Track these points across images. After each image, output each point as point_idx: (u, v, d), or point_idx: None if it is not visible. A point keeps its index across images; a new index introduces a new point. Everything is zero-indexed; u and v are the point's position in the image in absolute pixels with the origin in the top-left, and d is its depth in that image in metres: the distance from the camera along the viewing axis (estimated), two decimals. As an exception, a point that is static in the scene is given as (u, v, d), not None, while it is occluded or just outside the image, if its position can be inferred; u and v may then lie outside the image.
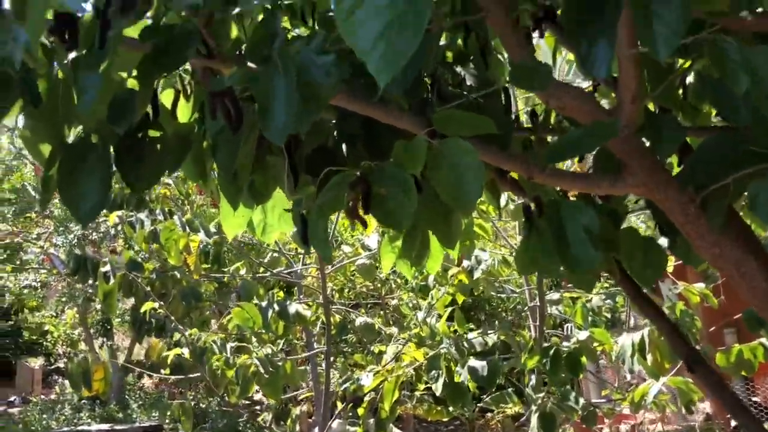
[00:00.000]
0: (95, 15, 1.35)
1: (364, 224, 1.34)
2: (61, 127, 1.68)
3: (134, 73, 1.75)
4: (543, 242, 1.52)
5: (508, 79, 1.57)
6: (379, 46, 0.73)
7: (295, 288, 6.19)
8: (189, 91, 1.81)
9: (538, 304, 4.39)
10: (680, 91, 2.02)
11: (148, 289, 4.03)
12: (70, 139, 1.70)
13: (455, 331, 4.02)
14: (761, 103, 1.28)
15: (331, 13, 2.78)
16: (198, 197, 6.75)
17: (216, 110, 1.32)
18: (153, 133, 1.71)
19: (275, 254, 4.98)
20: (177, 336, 4.19)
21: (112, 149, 1.62)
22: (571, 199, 1.79)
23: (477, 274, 3.78)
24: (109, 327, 10.27)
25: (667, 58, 1.14)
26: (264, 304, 3.60)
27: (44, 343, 12.38)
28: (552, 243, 1.47)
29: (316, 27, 2.54)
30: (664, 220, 1.69)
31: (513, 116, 1.97)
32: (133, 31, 1.46)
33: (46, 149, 1.70)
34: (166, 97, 1.87)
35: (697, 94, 1.85)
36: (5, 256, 9.41)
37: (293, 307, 3.88)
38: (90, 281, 4.01)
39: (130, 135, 1.64)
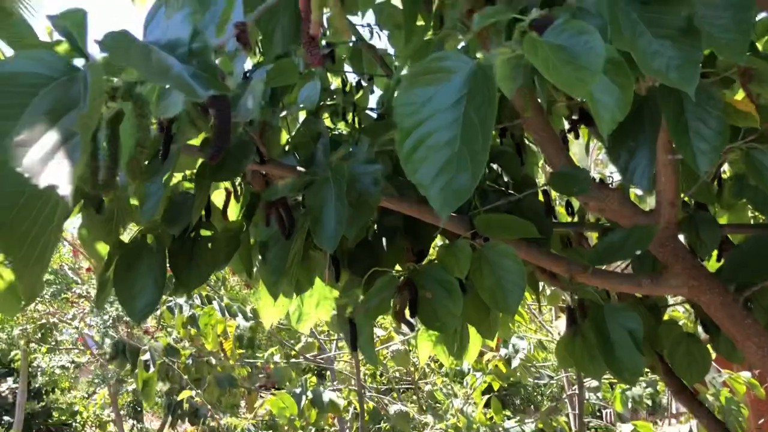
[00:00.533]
0: (159, 128, 1.45)
1: (412, 328, 1.37)
2: (117, 228, 1.77)
3: (187, 173, 1.86)
4: (587, 346, 1.54)
5: (546, 180, 1.62)
6: (438, 183, 0.79)
7: (328, 372, 6.16)
8: (239, 192, 1.90)
9: (577, 391, 4.30)
10: (715, 184, 2.06)
11: (185, 376, 4.06)
12: (125, 237, 1.79)
13: (491, 418, 3.95)
14: (799, 208, 1.31)
15: (369, 111, 2.92)
16: (232, 279, 6.83)
17: (270, 218, 1.39)
18: (204, 233, 1.78)
19: (309, 339, 4.99)
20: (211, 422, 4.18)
21: (166, 249, 1.70)
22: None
23: (515, 363, 3.74)
24: (139, 409, 10.21)
25: (706, 170, 1.19)
26: (298, 391, 3.60)
27: (74, 424, 12.32)
28: (597, 347, 1.48)
29: (356, 125, 2.66)
30: (707, 318, 1.69)
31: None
32: (194, 140, 1.55)
33: (102, 248, 1.79)
34: (216, 197, 1.96)
35: (733, 192, 1.89)
36: (40, 336, 9.51)
37: (326, 395, 3.86)
38: (127, 366, 4.06)
39: (183, 235, 1.72)
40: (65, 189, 0.49)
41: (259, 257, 2.04)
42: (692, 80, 0.95)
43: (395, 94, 0.81)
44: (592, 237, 2.27)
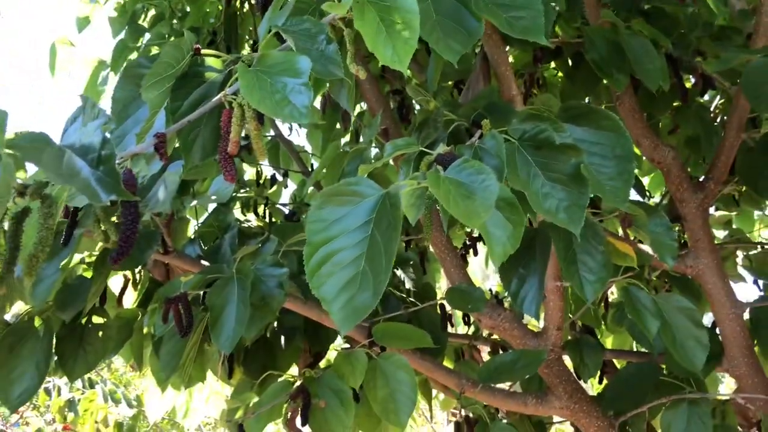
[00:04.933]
0: (65, 212, 1.42)
1: (301, 436, 1.36)
2: (2, 307, 1.68)
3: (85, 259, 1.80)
4: (472, 462, 1.56)
5: (444, 295, 1.69)
6: (341, 299, 0.82)
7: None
8: (138, 279, 1.86)
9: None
10: (602, 308, 2.19)
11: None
12: (8, 317, 1.70)
13: None
14: (669, 344, 1.42)
15: (279, 205, 2.94)
16: (117, 360, 6.48)
17: (168, 314, 1.37)
18: (96, 320, 1.72)
19: (195, 432, 4.75)
20: None
21: (53, 334, 1.62)
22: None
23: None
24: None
25: (592, 299, 1.28)
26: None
27: None
28: (481, 464, 1.51)
29: (268, 220, 2.67)
30: (588, 440, 1.76)
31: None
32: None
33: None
34: (112, 281, 1.91)
35: (615, 319, 2.01)
36: None
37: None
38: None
39: (74, 320, 1.66)
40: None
41: (150, 347, 1.98)
42: (578, 221, 1.05)
43: (309, 211, 0.85)
44: (484, 349, 2.34)
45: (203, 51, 0.87)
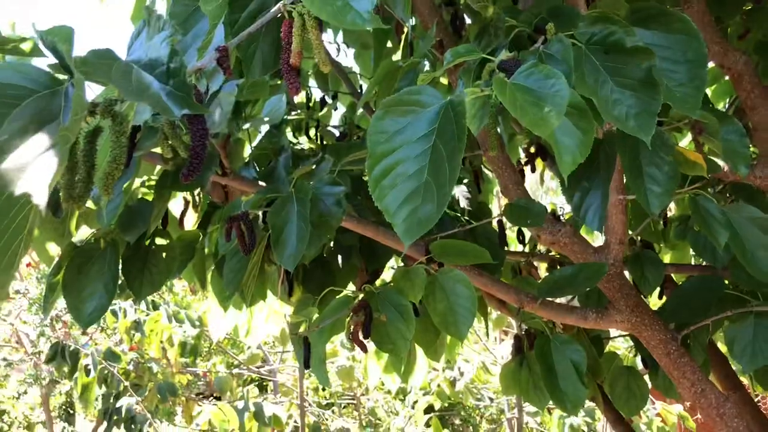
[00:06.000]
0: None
1: (364, 349, 1.39)
2: (70, 230, 1.74)
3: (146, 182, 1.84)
4: (532, 375, 1.58)
5: (501, 211, 1.67)
6: (403, 212, 0.81)
7: (269, 384, 6.09)
8: (197, 202, 1.89)
9: (516, 415, 4.37)
10: (661, 224, 2.14)
11: (126, 382, 3.96)
12: (76, 239, 1.76)
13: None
14: (739, 254, 1.38)
15: (330, 127, 2.93)
16: (178, 284, 6.71)
17: (231, 232, 1.39)
18: (159, 241, 1.77)
19: (254, 350, 4.94)
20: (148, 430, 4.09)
21: (119, 255, 1.67)
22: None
23: (459, 386, 3.78)
24: (72, 412, 9.89)
25: (658, 212, 1.25)
26: (241, 405, 3.56)
27: (0, 424, 11.83)
28: (541, 377, 1.52)
29: (319, 141, 2.67)
30: (647, 354, 1.75)
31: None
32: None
33: (51, 249, 1.75)
34: (173, 205, 1.95)
35: (677, 234, 1.97)
36: (-29, 330, 9.15)
37: (269, 409, 3.82)
38: (65, 368, 3.94)
39: (137, 242, 1.70)
40: (40, 198, 0.49)
41: (212, 268, 2.03)
42: (649, 129, 1.00)
43: (371, 122, 0.83)
44: (541, 266, 2.33)
45: (258, -42, 0.84)
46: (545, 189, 4.95)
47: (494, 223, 1.95)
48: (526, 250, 2.35)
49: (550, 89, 0.86)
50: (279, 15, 0.80)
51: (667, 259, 2.48)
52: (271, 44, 0.84)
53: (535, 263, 2.17)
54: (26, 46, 1.78)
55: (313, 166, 1.75)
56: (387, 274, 2.37)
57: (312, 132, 2.73)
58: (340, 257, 2.12)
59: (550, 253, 2.10)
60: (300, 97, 2.99)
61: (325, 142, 2.69)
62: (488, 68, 1.00)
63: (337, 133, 2.74)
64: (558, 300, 1.71)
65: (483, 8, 1.23)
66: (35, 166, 0.49)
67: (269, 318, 2.97)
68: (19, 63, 0.56)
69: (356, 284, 2.11)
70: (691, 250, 2.34)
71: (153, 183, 1.74)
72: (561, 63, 1.01)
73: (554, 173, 2.29)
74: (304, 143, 2.76)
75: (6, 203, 0.61)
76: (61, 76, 0.59)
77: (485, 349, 4.86)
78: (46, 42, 0.54)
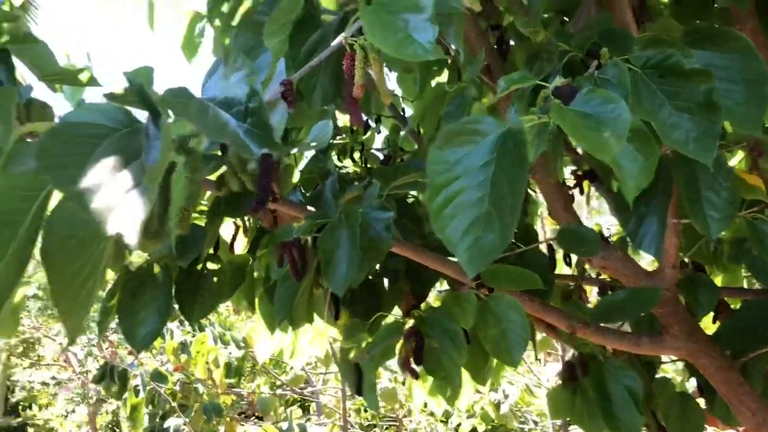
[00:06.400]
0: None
1: (416, 376, 1.38)
2: (124, 254, 1.78)
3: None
4: (586, 402, 1.55)
5: (551, 235, 1.65)
6: (465, 242, 0.81)
7: (312, 405, 6.10)
8: (247, 227, 1.91)
9: (562, 440, 4.28)
10: (713, 247, 2.09)
11: (173, 403, 4.02)
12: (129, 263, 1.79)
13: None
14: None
15: (375, 151, 2.94)
16: (222, 305, 6.79)
17: (282, 258, 1.40)
18: (211, 265, 1.79)
19: (297, 371, 4.96)
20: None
21: (172, 279, 1.70)
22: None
23: (504, 409, 3.73)
24: (118, 430, 10.03)
25: (716, 237, 1.22)
26: (284, 427, 3.56)
27: (48, 442, 12.06)
28: (596, 403, 1.49)
29: (364, 165, 2.68)
30: (704, 380, 1.71)
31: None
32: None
33: (106, 273, 1.79)
34: (223, 229, 1.98)
35: (730, 256, 1.92)
36: (21, 350, 9.38)
37: (312, 430, 3.82)
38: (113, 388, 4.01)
39: (190, 266, 1.73)
40: (132, 238, 0.50)
41: (261, 291, 2.05)
42: (710, 153, 0.99)
43: (429, 152, 0.84)
44: (591, 290, 2.29)
45: (317, -8, 0.86)
46: (588, 209, 4.89)
47: (542, 246, 1.93)
48: (574, 272, 2.32)
49: (610, 114, 0.85)
50: (338, 47, 0.82)
51: (718, 282, 2.42)
52: (330, 76, 0.86)
53: (585, 287, 2.14)
54: (83, 77, 1.84)
55: (361, 191, 1.76)
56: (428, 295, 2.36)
57: (356, 155, 2.75)
58: (386, 280, 2.12)
59: (600, 277, 2.06)
60: (344, 121, 3.03)
61: (369, 165, 2.71)
62: (543, 94, 1.00)
63: (381, 156, 2.75)
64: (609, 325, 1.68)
65: (533, 33, 1.23)
66: (124, 206, 0.50)
67: (314, 340, 2.98)
68: (97, 103, 0.58)
69: (402, 307, 2.10)
70: (743, 273, 2.28)
71: (205, 209, 1.77)
72: (617, 87, 1.00)
73: (603, 195, 2.26)
74: (348, 166, 2.78)
75: (80, 243, 0.63)
76: (138, 114, 0.61)
77: (529, 371, 4.79)
78: (132, 83, 0.56)
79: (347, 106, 0.78)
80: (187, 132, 0.64)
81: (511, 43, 2.16)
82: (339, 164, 2.73)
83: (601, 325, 1.59)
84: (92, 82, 1.75)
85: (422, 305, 2.10)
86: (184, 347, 4.10)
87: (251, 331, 3.22)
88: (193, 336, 4.17)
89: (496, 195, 0.83)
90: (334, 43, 0.80)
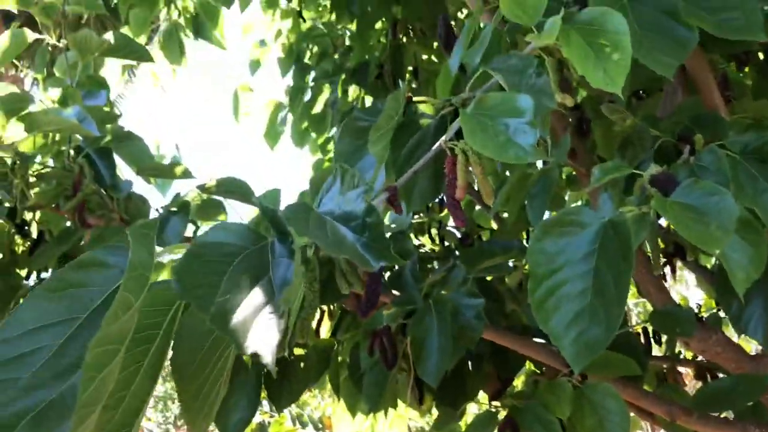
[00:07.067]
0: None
1: (512, 469, 1.34)
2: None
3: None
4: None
5: (647, 317, 1.60)
6: (570, 335, 0.80)
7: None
8: (332, 310, 1.94)
9: None
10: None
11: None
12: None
13: None
14: None
15: (451, 227, 2.96)
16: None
17: (373, 347, 1.41)
18: (297, 351, 1.81)
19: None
20: None
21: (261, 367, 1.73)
22: None
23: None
24: None
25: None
26: None
27: None
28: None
29: (441, 243, 2.69)
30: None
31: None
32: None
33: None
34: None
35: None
36: None
37: None
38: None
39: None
40: (268, 358, 0.52)
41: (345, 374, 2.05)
42: (817, 236, 0.95)
43: (530, 243, 0.84)
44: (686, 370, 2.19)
45: (414, 98, 0.89)
46: (671, 283, 4.71)
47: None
48: (661, 352, 2.23)
49: (715, 206, 0.84)
50: (438, 150, 0.84)
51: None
52: (428, 177, 0.89)
53: (680, 369, 2.05)
54: (178, 170, 1.92)
55: (444, 274, 1.77)
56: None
57: (434, 232, 2.76)
58: (470, 363, 2.09)
59: (696, 359, 1.97)
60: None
61: (447, 243, 2.72)
62: (639, 183, 1.00)
63: (457, 233, 2.76)
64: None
65: (621, 119, 1.24)
66: (259, 326, 0.52)
67: (393, 423, 2.94)
68: (227, 223, 0.61)
69: (488, 392, 2.06)
70: None
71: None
72: (716, 174, 0.99)
73: (691, 270, 2.19)
74: (425, 244, 2.79)
75: (208, 353, 0.66)
76: (264, 231, 0.64)
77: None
78: (263, 206, 0.60)
79: (450, 208, 0.79)
80: (304, 242, 0.66)
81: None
82: (417, 243, 2.74)
83: (706, 414, 1.51)
84: (186, 174, 1.84)
85: (507, 389, 2.05)
86: (262, 428, 4.09)
87: (332, 414, 3.20)
88: (272, 417, 4.17)
89: (599, 286, 0.82)
90: (435, 147, 0.83)
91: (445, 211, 2.96)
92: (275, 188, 0.59)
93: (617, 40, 0.87)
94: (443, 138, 0.82)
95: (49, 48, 2.01)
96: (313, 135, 2.80)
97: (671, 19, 0.98)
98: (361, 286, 0.76)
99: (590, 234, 0.86)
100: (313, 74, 2.90)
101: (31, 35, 1.86)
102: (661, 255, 2.06)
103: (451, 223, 2.99)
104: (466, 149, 0.79)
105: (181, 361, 0.63)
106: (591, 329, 0.80)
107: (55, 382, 0.54)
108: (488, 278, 2.09)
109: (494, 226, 2.65)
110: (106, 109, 2.00)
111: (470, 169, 0.79)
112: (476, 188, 2.76)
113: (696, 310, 2.16)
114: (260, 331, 0.53)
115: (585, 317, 0.81)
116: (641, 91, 1.94)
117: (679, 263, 2.17)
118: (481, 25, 1.22)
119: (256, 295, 0.56)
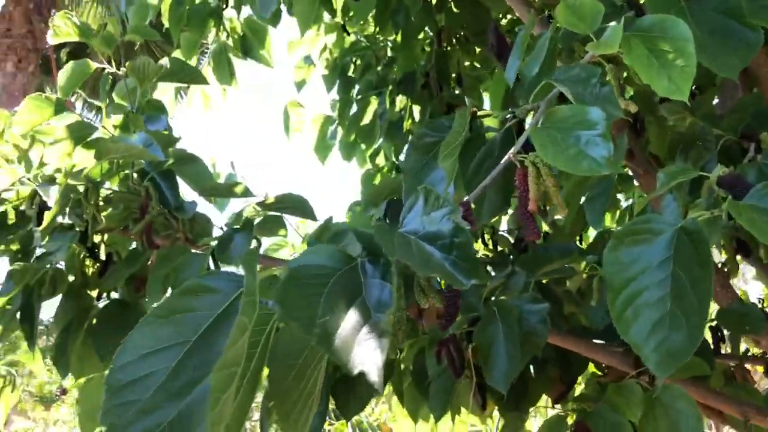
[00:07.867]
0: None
1: (586, 473, 1.34)
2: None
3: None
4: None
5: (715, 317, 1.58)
6: (651, 343, 0.81)
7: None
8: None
9: None
10: None
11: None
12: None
13: None
14: None
15: (502, 232, 2.95)
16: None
17: (440, 355, 1.43)
18: (362, 363, 1.84)
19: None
20: None
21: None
22: None
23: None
24: None
25: None
26: None
27: None
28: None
29: (494, 248, 2.69)
30: None
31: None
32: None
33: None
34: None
35: None
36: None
37: None
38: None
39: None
40: (374, 376, 0.55)
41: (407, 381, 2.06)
42: None
43: (605, 253, 0.85)
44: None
45: (479, 112, 0.91)
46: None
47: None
48: (725, 349, 2.18)
49: (790, 209, 0.84)
50: (507, 163, 0.86)
51: None
52: (497, 191, 0.90)
53: (749, 366, 2.01)
54: (238, 190, 1.97)
55: (503, 280, 1.77)
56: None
57: (487, 237, 2.77)
58: (532, 367, 2.08)
59: (765, 355, 1.94)
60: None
61: (500, 248, 2.71)
62: (707, 185, 1.00)
63: (510, 237, 2.75)
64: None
65: (680, 120, 1.23)
66: (362, 345, 0.55)
67: (454, 428, 2.94)
68: (319, 246, 0.64)
69: (551, 395, 2.05)
70: None
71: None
72: (786, 173, 0.98)
73: (752, 265, 2.15)
74: (478, 250, 2.80)
75: (302, 367, 0.69)
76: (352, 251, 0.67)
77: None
78: (360, 235, 0.62)
79: (523, 219, 0.81)
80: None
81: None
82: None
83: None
84: (246, 193, 1.89)
85: (570, 392, 2.04)
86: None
87: (389, 419, 3.22)
88: (331, 425, 4.22)
89: (677, 293, 0.82)
90: (504, 160, 0.84)
91: (497, 216, 2.96)
92: (359, 209, 0.61)
93: (681, 47, 0.87)
94: (511, 151, 0.83)
95: (110, 77, 2.09)
96: (362, 147, 2.83)
97: (733, 20, 0.98)
98: (441, 299, 0.78)
99: (664, 241, 0.86)
100: (357, 87, 2.94)
101: (93, 64, 1.93)
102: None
103: (503, 227, 2.99)
104: (536, 161, 0.81)
105: (277, 377, 0.67)
106: (672, 336, 0.80)
107: (171, 403, 0.57)
108: (544, 281, 2.09)
109: (546, 228, 2.64)
110: (166, 132, 2.07)
111: (542, 179, 0.80)
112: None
113: (759, 305, 2.12)
114: (365, 351, 0.55)
115: (665, 325, 0.82)
116: (694, 87, 1.91)
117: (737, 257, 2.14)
118: (534, 33, 1.23)
119: (352, 316, 0.58)
